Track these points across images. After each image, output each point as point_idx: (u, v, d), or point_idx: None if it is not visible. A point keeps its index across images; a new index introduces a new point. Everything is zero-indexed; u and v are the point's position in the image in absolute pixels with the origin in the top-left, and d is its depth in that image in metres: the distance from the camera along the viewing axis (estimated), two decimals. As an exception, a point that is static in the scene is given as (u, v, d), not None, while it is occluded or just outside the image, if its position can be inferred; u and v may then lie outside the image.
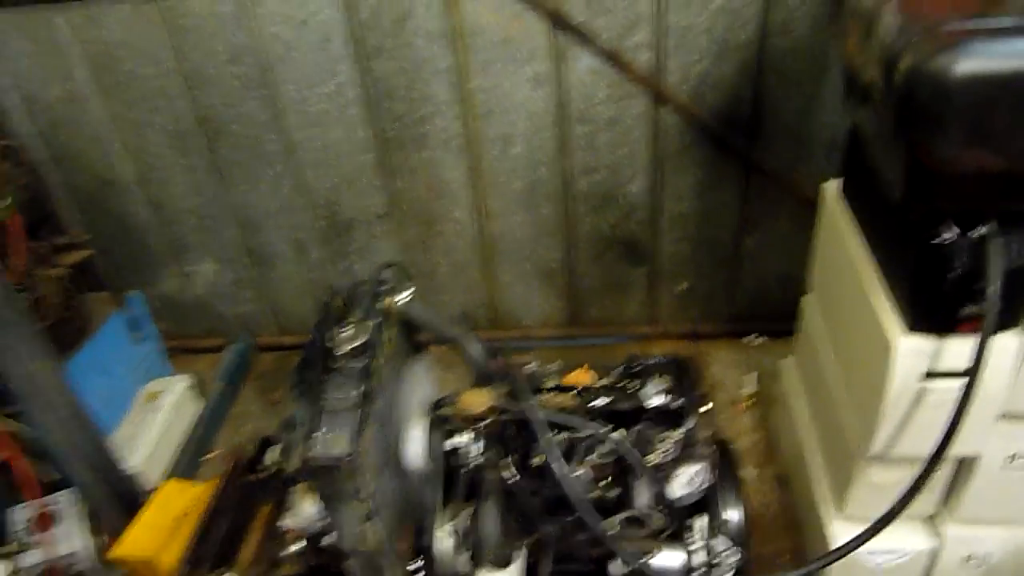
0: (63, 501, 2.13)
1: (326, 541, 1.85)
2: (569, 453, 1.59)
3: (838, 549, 1.46)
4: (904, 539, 1.75)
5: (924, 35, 1.10)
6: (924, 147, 1.12)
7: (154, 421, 2.38)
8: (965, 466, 1.62)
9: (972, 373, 1.27)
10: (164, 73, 2.32)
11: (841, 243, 1.68)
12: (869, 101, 1.32)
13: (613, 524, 1.49)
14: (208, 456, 2.55)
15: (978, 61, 1.05)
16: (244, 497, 2.20)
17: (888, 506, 1.44)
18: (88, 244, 2.31)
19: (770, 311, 2.69)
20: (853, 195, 1.68)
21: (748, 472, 2.30)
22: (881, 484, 1.66)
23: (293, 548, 1.86)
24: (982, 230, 1.22)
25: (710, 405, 1.69)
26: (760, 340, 2.74)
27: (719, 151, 2.33)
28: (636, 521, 1.50)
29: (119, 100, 2.39)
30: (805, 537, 2.08)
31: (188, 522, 2.11)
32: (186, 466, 2.42)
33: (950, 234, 1.24)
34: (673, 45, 2.14)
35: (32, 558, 2.06)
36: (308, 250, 2.70)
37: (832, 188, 1.78)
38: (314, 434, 1.47)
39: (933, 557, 1.76)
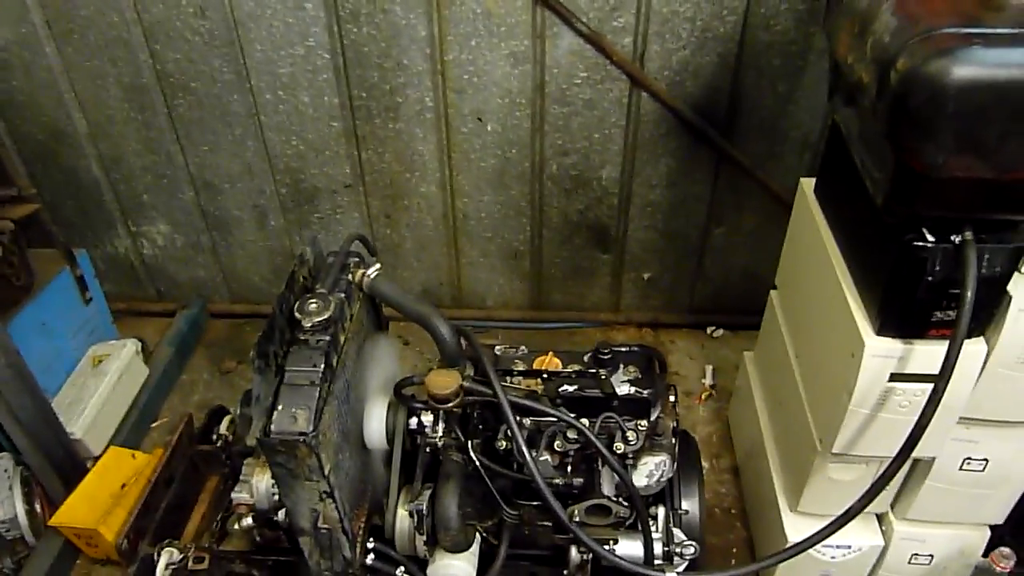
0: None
1: (279, 516, 1.81)
2: (534, 439, 1.58)
3: (796, 545, 1.48)
4: (855, 535, 1.78)
5: (921, 38, 1.09)
6: (914, 151, 1.12)
7: (98, 386, 2.28)
8: (919, 468, 1.66)
9: (942, 379, 1.28)
10: (124, 22, 2.20)
11: (813, 241, 1.69)
12: (857, 101, 1.31)
13: (577, 512, 1.48)
14: (154, 425, 2.47)
15: (975, 68, 1.04)
16: (192, 468, 2.15)
17: (845, 504, 1.47)
18: (36, 198, 2.19)
19: (732, 305, 2.71)
20: (829, 194, 1.68)
21: (703, 463, 2.32)
22: (837, 481, 1.69)
23: (244, 523, 1.81)
24: (959, 237, 1.22)
25: (675, 397, 1.70)
26: (720, 332, 2.77)
27: (693, 141, 2.32)
28: (600, 509, 1.48)
29: (75, 48, 2.26)
30: (757, 530, 2.11)
31: (132, 492, 2.06)
32: (130, 434, 2.34)
33: (926, 240, 1.25)
34: (655, 31, 2.11)
35: (-36, 523, 1.97)
36: (268, 217, 2.61)
37: (808, 185, 1.79)
38: (274, 409, 1.42)
39: (881, 554, 1.81)
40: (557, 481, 1.54)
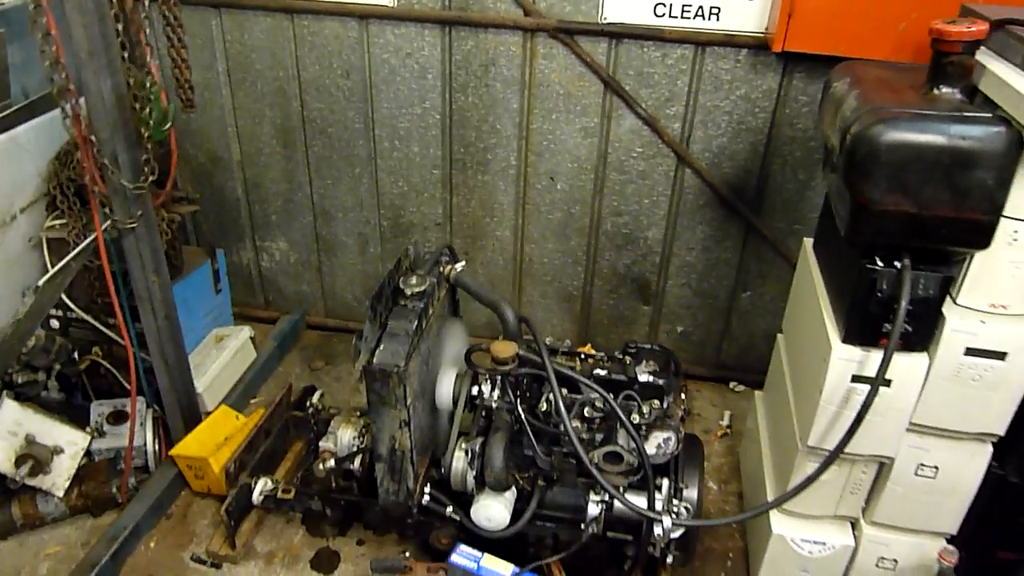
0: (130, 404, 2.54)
1: (353, 465, 2.26)
2: (568, 407, 2.00)
3: (762, 505, 1.85)
4: (830, 534, 2.11)
5: (869, 112, 1.57)
6: (860, 190, 1.58)
7: (219, 356, 2.81)
8: (883, 472, 2.00)
9: (878, 379, 1.68)
10: (286, 77, 2.85)
11: (808, 283, 2.12)
12: (831, 162, 1.78)
13: (596, 456, 1.88)
14: (253, 401, 2.96)
15: (900, 133, 1.51)
16: (284, 429, 2.61)
17: (823, 504, 1.84)
18: (197, 201, 2.78)
19: (754, 364, 3.09)
20: (821, 245, 2.13)
21: (712, 487, 2.67)
22: (817, 480, 2.04)
23: (327, 464, 2.26)
24: (899, 263, 1.65)
25: (685, 395, 2.11)
26: (741, 388, 3.14)
27: (726, 214, 2.79)
28: (615, 456, 1.88)
29: (244, 93, 2.91)
30: (751, 537, 2.42)
31: (236, 439, 2.51)
32: (235, 403, 2.82)
33: (877, 264, 1.68)
34: (700, 119, 2.64)
35: (104, 443, 2.46)
36: (369, 245, 3.16)
37: (808, 243, 2.23)
38: (377, 348, 1.90)
39: (853, 554, 2.12)
40: (584, 436, 1.95)
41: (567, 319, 3.17)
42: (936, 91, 1.64)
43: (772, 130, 2.61)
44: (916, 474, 1.95)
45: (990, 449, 1.88)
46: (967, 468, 1.91)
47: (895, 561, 2.10)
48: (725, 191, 2.74)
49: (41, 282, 2.11)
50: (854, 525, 2.14)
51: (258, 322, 3.37)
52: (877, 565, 2.12)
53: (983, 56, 1.66)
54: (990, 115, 1.52)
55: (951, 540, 2.03)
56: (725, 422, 2.95)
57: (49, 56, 1.75)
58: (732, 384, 3.15)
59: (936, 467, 1.93)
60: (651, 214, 2.85)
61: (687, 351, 3.15)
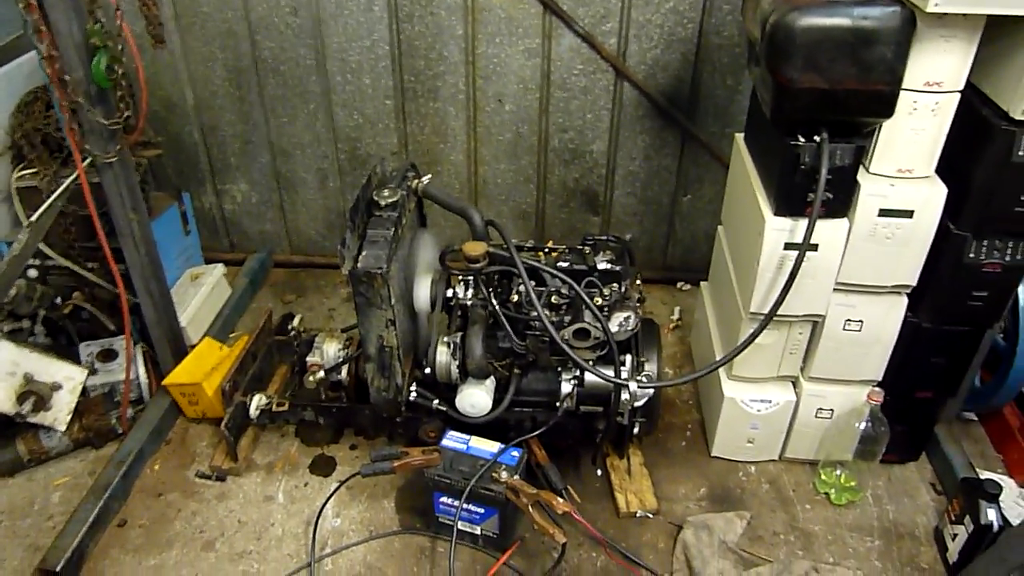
0: (118, 342, 2.66)
1: (341, 375, 2.44)
2: (538, 296, 2.20)
3: (709, 365, 2.12)
4: (775, 393, 2.39)
5: (785, 4, 1.78)
6: (779, 71, 1.79)
7: (196, 294, 2.93)
8: (816, 332, 2.27)
9: (804, 242, 1.93)
10: (234, 18, 2.92)
11: (742, 173, 2.35)
12: (754, 54, 1.99)
13: (566, 333, 2.10)
14: (232, 335, 3.09)
15: (811, 18, 1.73)
16: (268, 353, 2.76)
17: (767, 367, 2.11)
18: (159, 145, 2.86)
19: (697, 264, 3.34)
20: (751, 137, 2.37)
21: (668, 372, 2.93)
22: (760, 346, 2.27)
23: (316, 376, 2.43)
24: (818, 137, 1.89)
25: (640, 281, 2.34)
26: (688, 287, 3.41)
27: (664, 123, 3.01)
28: (583, 333, 2.10)
29: (193, 37, 2.97)
30: (706, 408, 2.70)
31: (225, 365, 2.65)
32: (216, 335, 2.95)
33: (799, 140, 1.91)
34: (633, 34, 2.82)
35: (97, 379, 2.58)
36: (328, 179, 3.29)
37: (739, 137, 2.46)
38: (359, 254, 2.06)
39: (794, 408, 2.40)
40: (553, 320, 2.16)
41: (524, 235, 3.37)
42: (844, -18, 1.86)
43: (700, 39, 2.82)
44: (844, 329, 2.23)
45: (905, 300, 2.17)
46: (887, 319, 2.19)
47: (831, 411, 2.39)
48: (661, 101, 2.94)
49: (33, 218, 2.19)
50: (795, 384, 2.42)
51: (227, 264, 3.46)
52: (816, 416, 2.41)
53: (882, -52, 1.89)
54: (887, -2, 1.75)
55: (878, 386, 2.32)
56: (675, 316, 3.21)
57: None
58: (679, 284, 3.41)
59: (861, 320, 2.20)
60: (595, 128, 3.04)
61: (637, 256, 3.37)
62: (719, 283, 2.64)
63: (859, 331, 2.22)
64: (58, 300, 2.65)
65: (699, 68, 2.88)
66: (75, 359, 2.58)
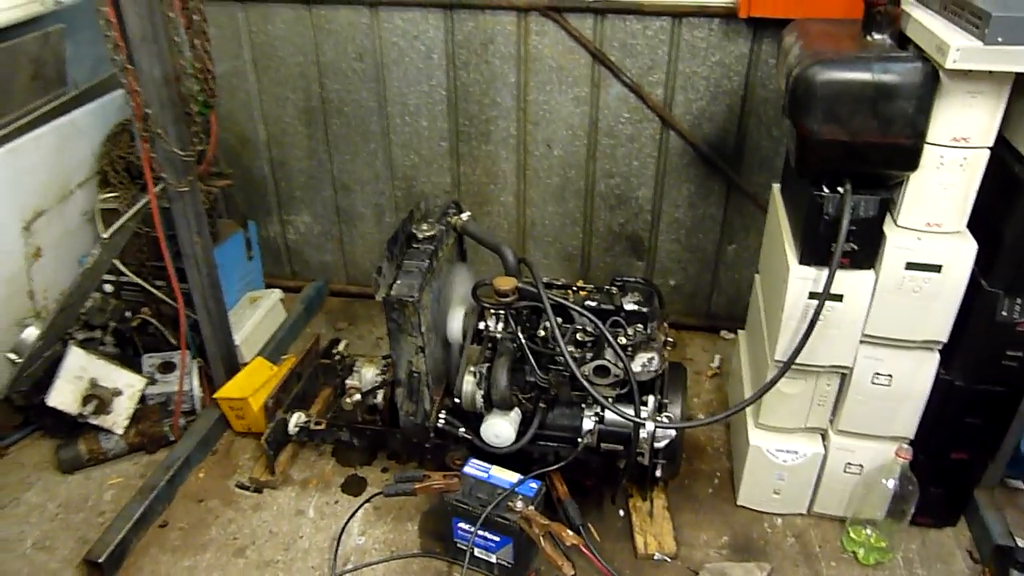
0: (178, 356, 2.84)
1: (376, 399, 2.55)
2: (563, 333, 2.27)
3: (727, 410, 2.13)
4: (802, 444, 2.36)
5: (807, 56, 1.83)
6: (802, 124, 1.84)
7: (254, 314, 3.12)
8: (844, 384, 2.26)
9: (825, 290, 1.95)
10: (305, 62, 3.15)
11: (775, 222, 2.38)
12: (783, 105, 2.05)
13: (587, 369, 2.15)
14: (283, 357, 3.25)
15: (831, 72, 1.78)
16: (314, 375, 2.90)
17: (794, 418, 2.11)
18: (231, 176, 3.08)
19: (742, 312, 3.32)
20: (785, 187, 2.40)
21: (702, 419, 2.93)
22: (786, 395, 2.29)
23: (353, 398, 2.55)
24: (841, 189, 1.92)
25: (668, 323, 2.38)
26: (731, 336, 3.40)
27: (709, 171, 3.06)
28: (603, 370, 2.15)
29: (268, 78, 3.22)
30: (735, 455, 2.68)
31: (271, 384, 2.80)
32: (268, 356, 3.11)
33: (823, 191, 1.94)
34: (680, 85, 2.90)
35: (155, 389, 2.77)
36: (385, 214, 3.46)
37: (776, 187, 2.50)
38: (394, 283, 2.18)
39: (823, 461, 2.37)
40: (576, 356, 2.22)
41: (570, 277, 3.44)
42: (869, 38, 1.90)
43: (746, 92, 2.87)
44: (873, 383, 2.20)
45: (937, 356, 2.13)
46: (918, 375, 2.16)
47: (861, 466, 2.35)
48: (707, 150, 3.00)
49: (106, 235, 2.41)
50: (823, 436, 2.39)
51: (286, 290, 3.66)
52: (845, 470, 2.37)
53: (908, 5, 1.93)
54: (909, 54, 1.79)
55: (910, 444, 2.27)
56: (715, 364, 3.21)
57: (111, 40, 2.06)
58: (722, 332, 3.41)
59: (890, 375, 2.17)
60: (640, 175, 3.12)
61: (679, 303, 3.41)
62: (753, 331, 2.65)
63: (888, 385, 2.19)
64: (128, 314, 2.86)
65: (744, 120, 2.93)
66: (137, 369, 2.78)
